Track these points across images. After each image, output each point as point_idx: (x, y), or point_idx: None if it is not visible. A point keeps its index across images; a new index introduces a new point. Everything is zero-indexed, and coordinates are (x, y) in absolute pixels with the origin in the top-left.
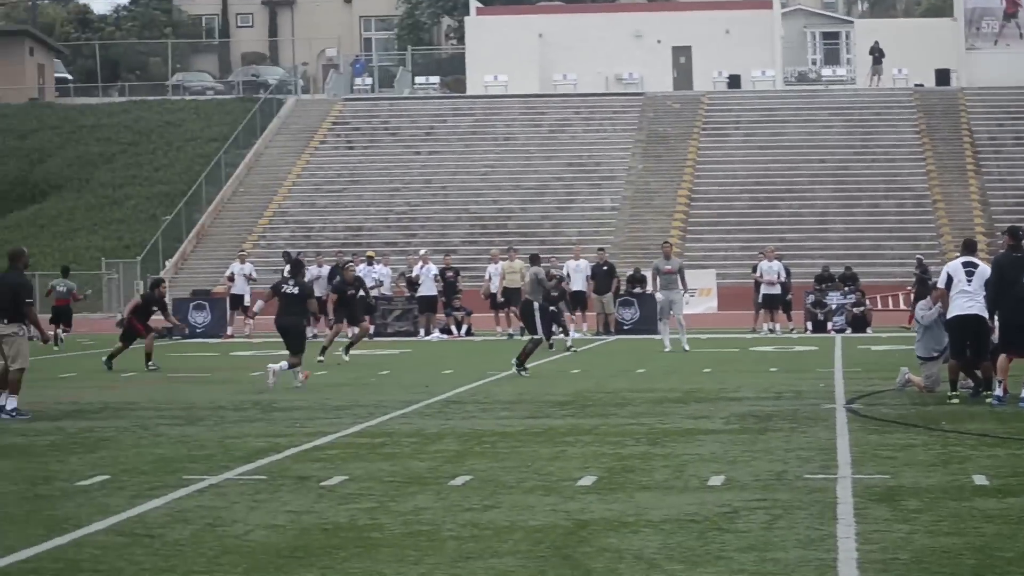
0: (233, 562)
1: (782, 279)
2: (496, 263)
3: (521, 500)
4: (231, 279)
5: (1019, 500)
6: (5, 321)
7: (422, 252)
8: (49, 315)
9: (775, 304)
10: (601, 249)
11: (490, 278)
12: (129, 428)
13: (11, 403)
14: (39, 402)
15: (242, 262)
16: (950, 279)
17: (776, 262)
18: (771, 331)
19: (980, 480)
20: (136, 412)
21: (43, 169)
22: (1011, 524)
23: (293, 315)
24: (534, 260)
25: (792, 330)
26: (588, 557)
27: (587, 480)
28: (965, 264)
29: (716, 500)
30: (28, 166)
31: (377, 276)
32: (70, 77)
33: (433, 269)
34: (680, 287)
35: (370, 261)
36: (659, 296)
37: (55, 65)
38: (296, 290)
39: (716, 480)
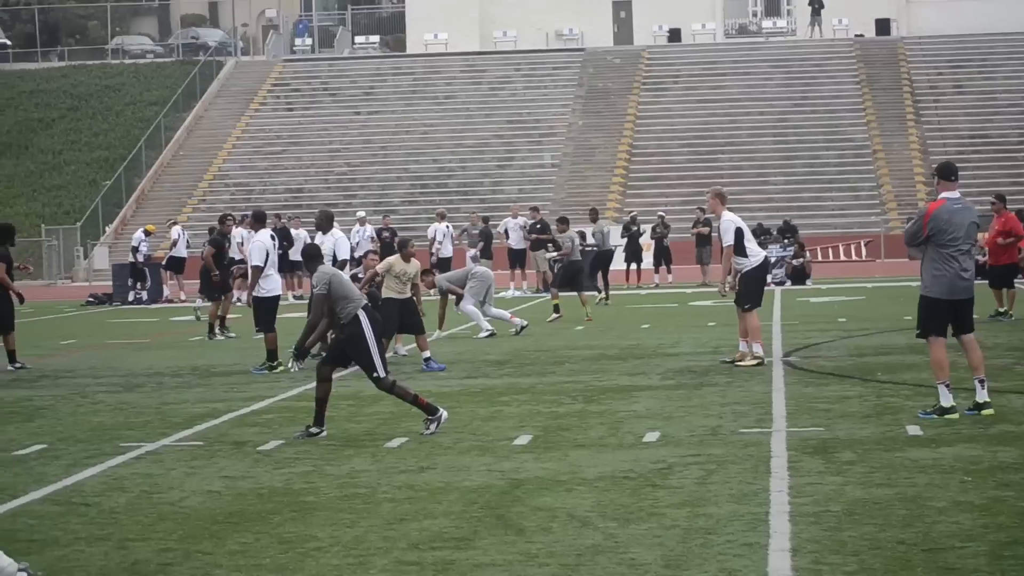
0: (168, 529)
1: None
2: (442, 222)
3: (456, 461)
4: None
5: (952, 450)
6: None
7: (360, 215)
8: None
9: (520, 262)
10: (534, 208)
11: (433, 239)
12: (67, 396)
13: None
14: None
15: (147, 235)
16: None
17: (521, 218)
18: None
19: (914, 431)
20: (74, 380)
21: None
22: (943, 474)
23: None
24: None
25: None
26: (521, 516)
27: (523, 439)
28: None
29: (650, 456)
30: None
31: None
32: (8, 43)
33: (369, 230)
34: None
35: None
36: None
37: None
38: None
39: (651, 436)
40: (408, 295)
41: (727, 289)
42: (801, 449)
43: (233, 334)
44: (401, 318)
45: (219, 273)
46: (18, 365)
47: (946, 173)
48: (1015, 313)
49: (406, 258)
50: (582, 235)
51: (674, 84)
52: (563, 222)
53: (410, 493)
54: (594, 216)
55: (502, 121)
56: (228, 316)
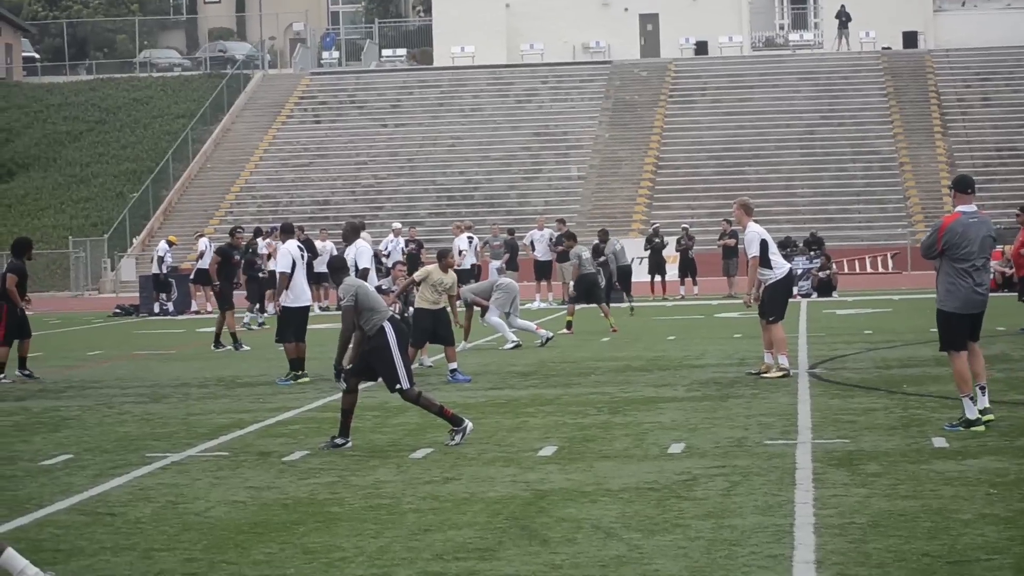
0: (193, 539)
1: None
2: (462, 234)
3: (481, 472)
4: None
5: (977, 462)
6: None
7: (395, 226)
8: None
9: (546, 274)
10: (560, 220)
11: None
12: (93, 407)
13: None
14: None
15: (170, 246)
16: None
17: (547, 230)
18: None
19: (939, 443)
20: (101, 390)
21: (10, 148)
22: (968, 486)
23: None
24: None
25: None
26: (546, 527)
27: (547, 450)
28: None
29: (675, 468)
30: None
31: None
32: (37, 56)
33: (403, 241)
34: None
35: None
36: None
37: (22, 44)
38: None
39: (676, 448)
40: (442, 306)
41: (751, 301)
42: (826, 461)
43: (227, 347)
44: (434, 329)
45: (219, 284)
46: (26, 372)
47: (962, 186)
48: None
49: (444, 268)
50: (596, 249)
51: (701, 97)
52: (570, 238)
53: (435, 504)
54: (603, 237)
55: (529, 133)
56: (222, 332)
